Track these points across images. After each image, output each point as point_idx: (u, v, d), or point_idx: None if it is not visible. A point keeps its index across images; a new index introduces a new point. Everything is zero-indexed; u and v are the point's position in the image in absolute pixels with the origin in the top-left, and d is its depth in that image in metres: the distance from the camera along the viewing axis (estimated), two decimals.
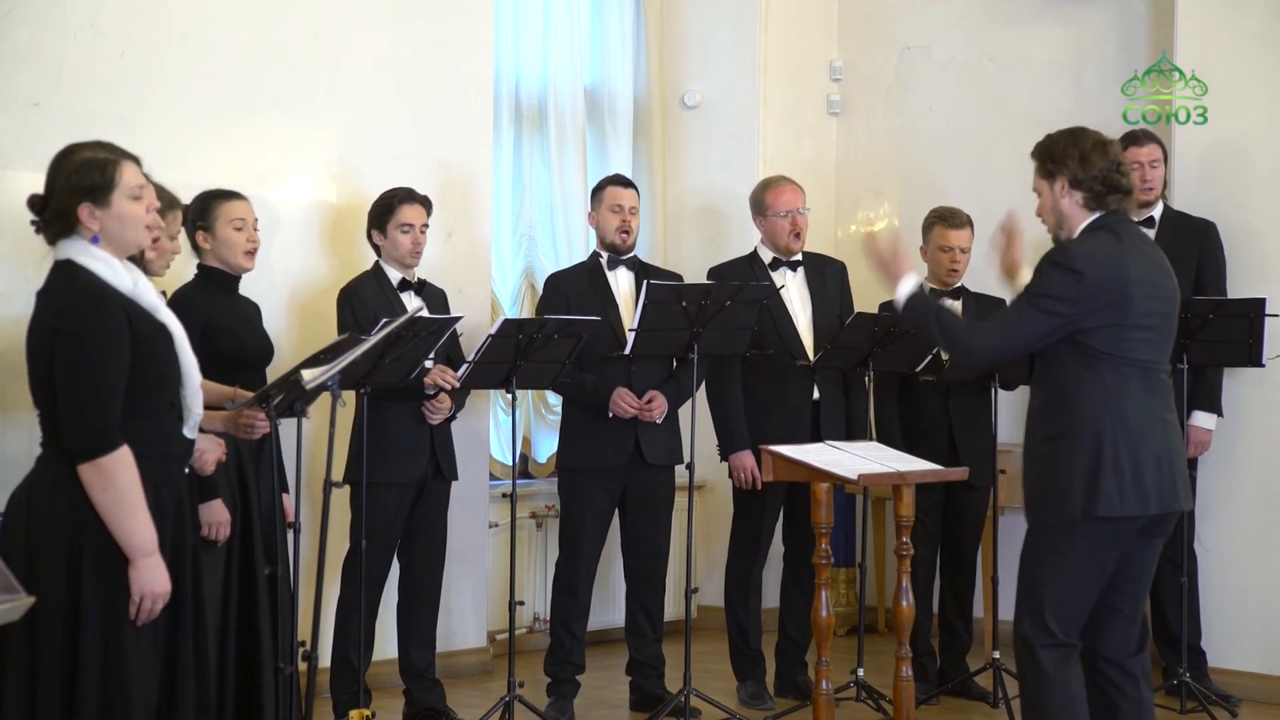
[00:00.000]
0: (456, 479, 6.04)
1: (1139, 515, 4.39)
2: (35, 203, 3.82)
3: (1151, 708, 4.59)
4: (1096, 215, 4.48)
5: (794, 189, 6.43)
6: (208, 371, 4.33)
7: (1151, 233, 6.46)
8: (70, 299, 3.74)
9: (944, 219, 6.45)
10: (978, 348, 4.54)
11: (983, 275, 6.34)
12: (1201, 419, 6.37)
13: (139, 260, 4.09)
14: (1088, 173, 4.45)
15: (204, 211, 5.15)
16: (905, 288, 4.64)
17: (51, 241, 3.81)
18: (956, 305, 6.47)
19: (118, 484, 3.69)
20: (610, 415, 6.04)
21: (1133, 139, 6.46)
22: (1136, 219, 6.47)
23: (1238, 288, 6.45)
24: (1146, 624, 4.62)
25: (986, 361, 4.40)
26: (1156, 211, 6.48)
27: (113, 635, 3.72)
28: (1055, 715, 4.43)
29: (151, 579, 3.72)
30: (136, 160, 3.87)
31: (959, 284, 6.49)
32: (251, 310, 5.33)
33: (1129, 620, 4.53)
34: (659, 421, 6.12)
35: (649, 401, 6.06)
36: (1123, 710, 4.51)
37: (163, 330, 3.85)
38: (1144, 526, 4.44)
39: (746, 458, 6.25)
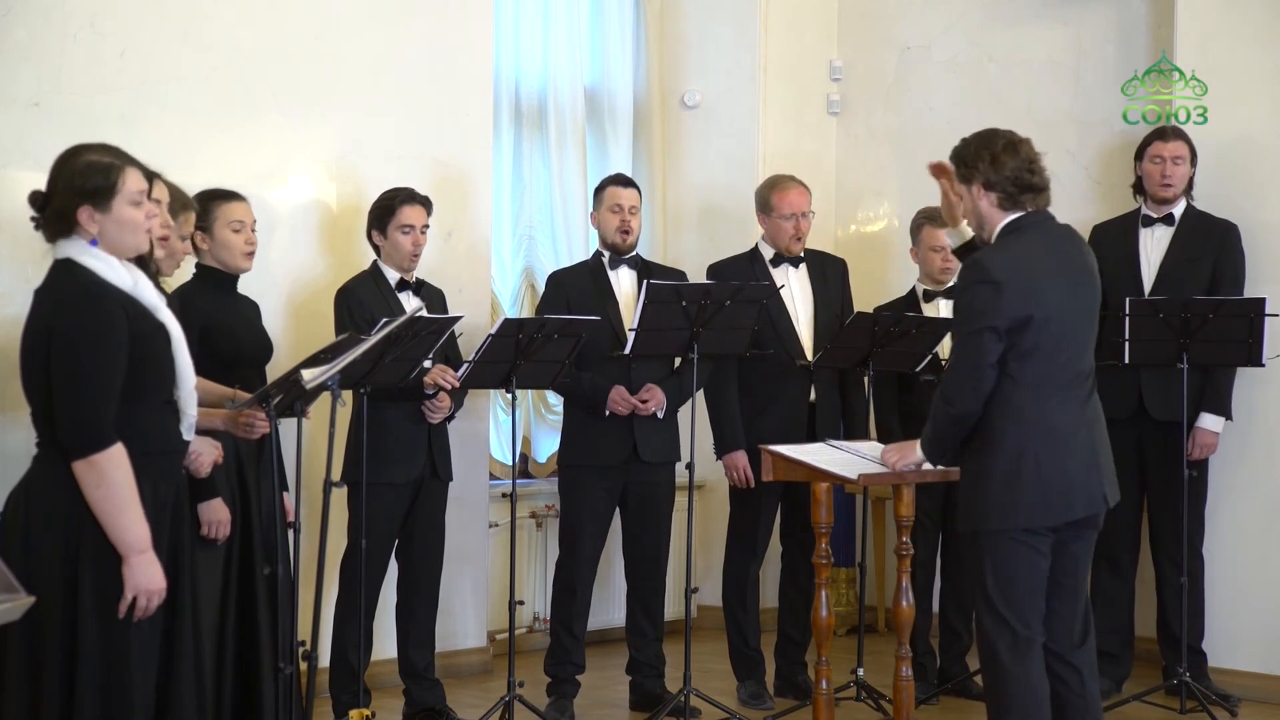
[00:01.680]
0: (452, 479, 6.04)
1: (1063, 521, 4.42)
2: (36, 199, 3.83)
3: (1098, 703, 4.61)
4: (1013, 216, 4.52)
5: (801, 191, 6.42)
6: (206, 370, 4.33)
7: (1170, 230, 6.46)
8: (69, 296, 3.75)
9: (932, 219, 6.45)
10: (957, 399, 4.47)
11: None
12: (1209, 422, 6.34)
13: (148, 262, 4.10)
14: (999, 174, 4.50)
15: (202, 212, 5.15)
16: (918, 453, 4.73)
17: (49, 239, 3.82)
18: (950, 305, 6.47)
19: (110, 481, 3.69)
20: (607, 414, 6.05)
21: (1159, 134, 6.47)
22: (1155, 215, 6.49)
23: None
24: (1089, 616, 4.63)
25: (973, 401, 4.43)
26: (1177, 209, 6.46)
27: (112, 633, 3.72)
28: (1013, 709, 4.45)
29: (145, 576, 3.72)
30: (140, 166, 3.88)
31: (951, 283, 6.49)
32: (250, 309, 5.33)
33: (1069, 611, 4.55)
34: (660, 416, 6.12)
35: (645, 394, 6.06)
36: (1069, 705, 4.53)
37: (161, 329, 3.85)
38: (1073, 521, 4.46)
39: (740, 457, 6.26)
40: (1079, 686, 4.54)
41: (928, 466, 4.84)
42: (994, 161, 4.50)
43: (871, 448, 5.80)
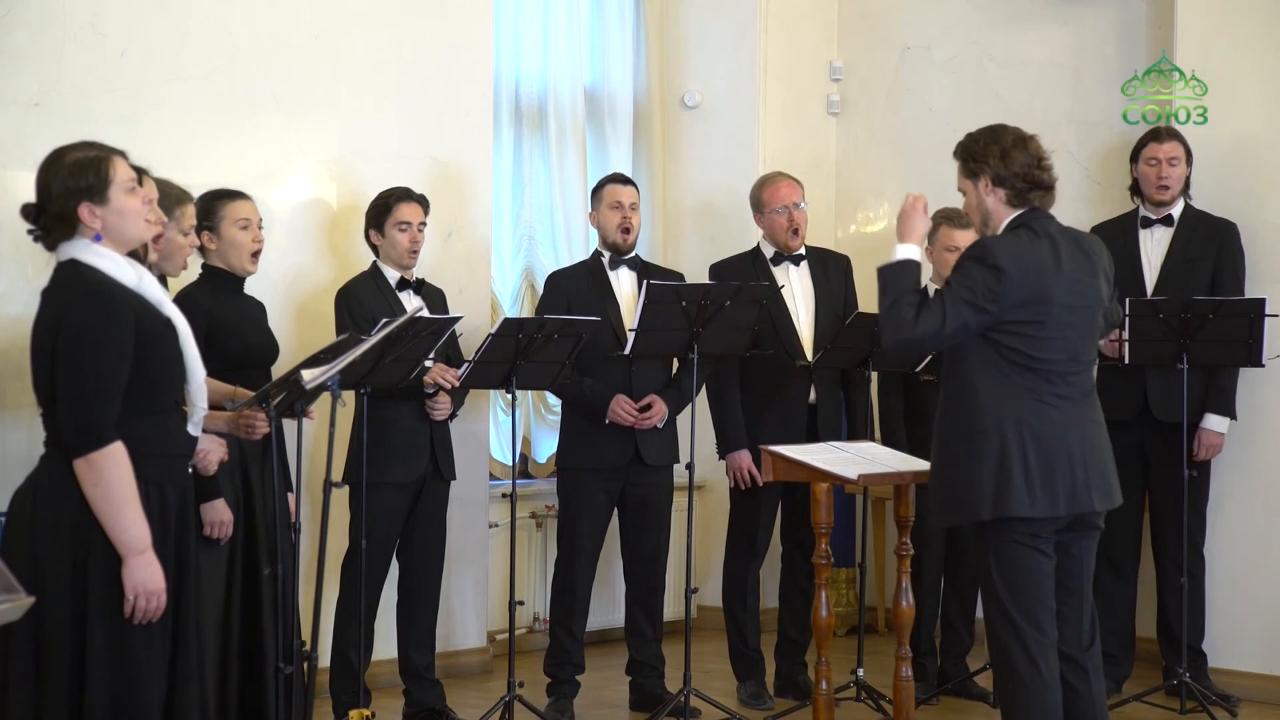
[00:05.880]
0: (455, 479, 6.04)
1: (1049, 517, 4.40)
2: (29, 211, 3.81)
3: (1104, 701, 4.62)
4: (1019, 212, 4.50)
5: (790, 184, 6.42)
6: (213, 370, 4.33)
7: (1169, 231, 6.45)
8: (76, 295, 3.74)
9: (950, 219, 6.43)
10: (918, 332, 4.46)
11: None
12: (1214, 422, 6.33)
13: (143, 261, 4.08)
14: (1009, 170, 4.48)
15: (209, 212, 5.15)
16: (902, 251, 4.61)
17: (51, 247, 3.80)
18: None
19: (108, 480, 3.69)
20: (608, 422, 6.05)
21: (1154, 135, 6.46)
22: (1154, 217, 6.48)
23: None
24: (1095, 618, 4.63)
25: (919, 346, 4.50)
26: (1176, 210, 6.45)
27: (121, 634, 3.71)
28: (1028, 717, 4.43)
29: (144, 577, 3.71)
30: (124, 155, 3.88)
31: None
32: (256, 309, 5.34)
33: (1076, 614, 4.55)
34: (659, 427, 6.12)
35: (647, 407, 6.06)
36: (1076, 707, 4.52)
37: (169, 325, 3.85)
38: (1069, 524, 4.45)
39: (743, 457, 6.25)
40: (1085, 688, 4.54)
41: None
42: (1004, 157, 4.47)
43: (872, 448, 5.81)
